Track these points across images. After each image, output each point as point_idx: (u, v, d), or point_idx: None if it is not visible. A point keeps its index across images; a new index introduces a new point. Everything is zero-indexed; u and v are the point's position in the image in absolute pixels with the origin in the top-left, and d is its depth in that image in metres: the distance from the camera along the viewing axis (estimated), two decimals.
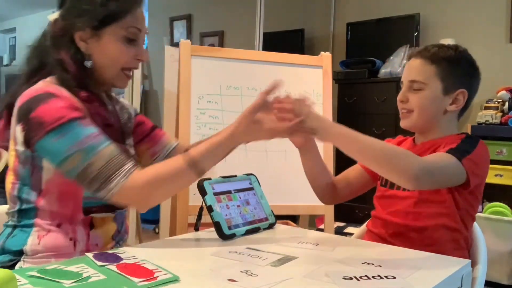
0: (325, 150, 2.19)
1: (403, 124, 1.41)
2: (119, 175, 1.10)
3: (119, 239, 1.28)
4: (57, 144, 1.09)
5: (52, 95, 1.12)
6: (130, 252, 1.05)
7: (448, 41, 3.47)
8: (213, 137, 1.20)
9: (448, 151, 1.23)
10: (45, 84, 1.16)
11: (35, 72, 1.22)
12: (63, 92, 1.15)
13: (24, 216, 1.19)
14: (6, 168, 1.24)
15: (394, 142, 1.49)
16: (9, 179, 1.21)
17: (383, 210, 1.39)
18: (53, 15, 1.24)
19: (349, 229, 3.30)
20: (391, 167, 1.15)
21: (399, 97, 1.40)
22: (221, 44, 5.16)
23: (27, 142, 1.14)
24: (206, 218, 1.28)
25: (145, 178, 1.12)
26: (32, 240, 1.16)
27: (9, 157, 1.20)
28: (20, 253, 1.16)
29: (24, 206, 1.19)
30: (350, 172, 1.54)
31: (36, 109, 1.10)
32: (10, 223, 1.22)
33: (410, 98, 1.36)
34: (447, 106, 1.34)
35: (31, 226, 1.18)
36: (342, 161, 1.53)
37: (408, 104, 1.37)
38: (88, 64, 1.21)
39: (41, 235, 1.16)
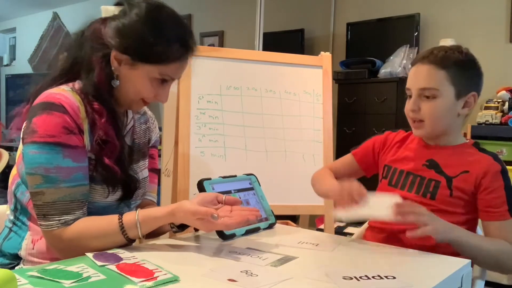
0: (325, 152, 2.19)
1: (417, 133, 1.36)
2: (55, 220, 1.09)
3: None
4: (32, 157, 1.10)
5: (60, 107, 1.11)
6: (130, 252, 1.05)
7: (448, 41, 3.47)
8: (154, 209, 1.17)
9: (510, 212, 1.25)
10: (62, 91, 1.14)
11: (67, 71, 1.21)
12: (74, 103, 1.13)
13: (18, 216, 1.20)
14: (5, 168, 1.24)
15: (398, 139, 1.46)
16: (13, 172, 1.22)
17: None
18: (108, 9, 1.19)
19: (349, 229, 3.29)
20: (503, 269, 1.27)
21: (409, 107, 1.32)
22: (221, 44, 5.16)
23: (22, 140, 1.15)
24: None
25: (74, 232, 1.10)
26: (27, 245, 1.16)
27: (18, 151, 1.21)
28: (17, 257, 1.17)
29: (18, 205, 1.19)
30: (341, 169, 1.53)
31: (38, 116, 1.11)
32: (7, 223, 1.22)
33: (422, 106, 1.31)
34: (460, 110, 1.32)
35: (25, 229, 1.18)
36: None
37: (421, 114, 1.31)
38: (114, 84, 1.19)
39: (35, 239, 1.17)
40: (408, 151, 1.41)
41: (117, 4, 1.20)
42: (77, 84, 1.18)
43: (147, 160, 1.37)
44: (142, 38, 1.14)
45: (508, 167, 3.09)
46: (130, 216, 1.12)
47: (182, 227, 1.25)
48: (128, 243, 1.13)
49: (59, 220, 1.09)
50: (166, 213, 1.13)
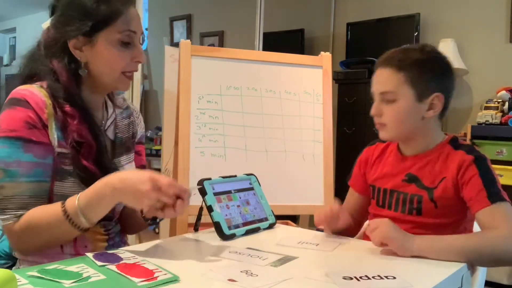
0: (325, 152, 2.19)
1: (382, 136, 1.33)
2: (11, 214, 1.08)
3: (113, 242, 1.26)
4: None
5: (24, 102, 1.11)
6: (130, 252, 1.05)
7: (448, 41, 3.48)
8: (94, 189, 1.09)
9: (491, 199, 1.16)
10: (29, 87, 1.15)
11: (27, 80, 1.20)
12: (39, 98, 1.13)
13: None
14: None
15: (376, 153, 1.42)
16: None
17: None
18: (46, 23, 1.22)
19: None
20: (489, 261, 1.13)
21: (372, 111, 1.31)
22: (221, 44, 5.16)
23: None
24: (206, 218, 1.28)
25: (21, 225, 1.08)
26: None
27: None
28: (12, 257, 1.17)
29: None
30: (350, 206, 1.46)
31: (4, 112, 1.12)
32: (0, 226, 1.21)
33: (384, 110, 1.28)
34: (424, 113, 1.26)
35: None
36: (343, 166, 1.51)
37: (383, 118, 1.29)
38: (82, 72, 1.18)
39: None
40: (387, 166, 1.37)
41: (52, 14, 1.22)
42: (45, 83, 1.17)
43: (132, 154, 1.35)
44: (83, 9, 1.15)
45: (508, 167, 3.06)
46: (72, 201, 1.07)
47: (155, 219, 1.22)
48: (80, 234, 1.10)
49: (15, 214, 1.08)
50: (109, 189, 1.05)
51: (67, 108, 1.15)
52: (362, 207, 1.44)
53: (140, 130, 1.41)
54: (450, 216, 1.25)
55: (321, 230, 1.35)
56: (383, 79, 1.28)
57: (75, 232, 1.09)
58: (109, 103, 1.32)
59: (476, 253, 1.09)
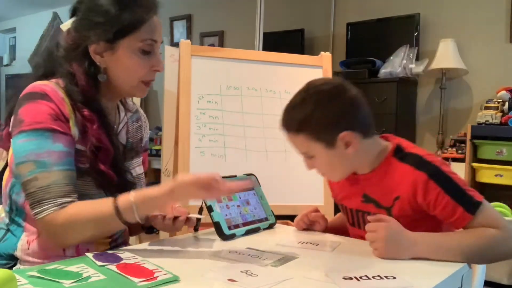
0: None
1: (331, 180, 1.34)
2: (50, 204, 1.07)
3: (115, 244, 1.26)
4: (22, 145, 1.09)
5: (45, 96, 1.11)
6: (130, 252, 1.05)
7: (448, 41, 3.48)
8: (149, 189, 1.11)
9: (470, 211, 1.09)
10: (47, 82, 1.15)
11: (42, 78, 1.19)
12: (59, 95, 1.13)
13: (14, 217, 1.19)
14: (5, 168, 1.24)
15: None
16: (6, 173, 1.21)
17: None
18: (66, 24, 1.21)
19: None
20: (488, 260, 1.11)
21: (307, 168, 1.25)
22: (221, 44, 5.16)
23: (11, 136, 1.14)
24: (206, 218, 1.28)
25: (67, 216, 1.07)
26: (22, 245, 1.16)
27: (9, 151, 1.20)
28: (13, 258, 1.17)
29: (14, 206, 1.19)
30: (338, 214, 1.45)
31: (24, 106, 1.11)
32: (2, 225, 1.21)
33: (314, 165, 1.23)
34: (344, 152, 1.17)
35: (21, 230, 1.17)
36: None
37: (318, 170, 1.25)
38: (102, 78, 1.19)
39: (30, 240, 1.16)
40: (343, 189, 1.32)
41: (72, 15, 1.21)
42: (61, 82, 1.17)
43: (140, 158, 1.37)
44: (106, 15, 1.15)
45: (508, 167, 3.05)
46: (125, 198, 1.07)
47: (151, 229, 1.24)
48: (124, 228, 1.11)
49: (55, 203, 1.07)
50: (164, 191, 1.06)
51: (86, 112, 1.15)
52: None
53: (146, 135, 1.42)
54: (423, 226, 1.14)
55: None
56: (292, 143, 1.23)
57: (120, 227, 1.11)
58: (121, 106, 1.33)
59: (476, 252, 1.08)
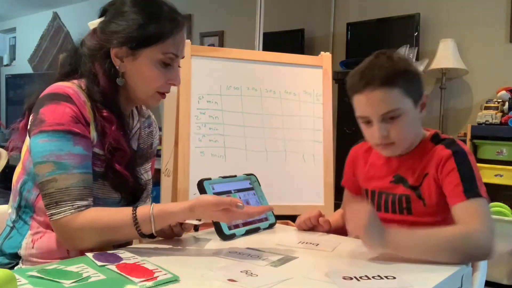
0: (325, 152, 2.19)
1: (387, 154, 1.31)
2: (67, 206, 1.07)
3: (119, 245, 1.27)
4: (42, 145, 1.09)
5: (68, 98, 1.12)
6: (130, 252, 1.05)
7: (448, 41, 3.48)
8: (170, 204, 1.14)
9: (467, 194, 1.15)
10: (70, 84, 1.16)
11: (66, 77, 1.21)
12: (81, 98, 1.14)
13: (21, 215, 1.19)
14: (5, 168, 1.24)
15: (362, 153, 1.41)
16: (17, 169, 1.21)
17: None
18: (93, 22, 1.22)
19: None
20: (463, 257, 1.09)
21: (378, 134, 1.24)
22: (221, 44, 5.16)
23: (29, 134, 1.14)
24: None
25: (85, 221, 1.07)
26: (26, 244, 1.16)
27: (23, 148, 1.20)
28: (16, 256, 1.17)
29: (23, 203, 1.19)
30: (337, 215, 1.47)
31: (46, 106, 1.11)
32: (8, 222, 1.22)
33: (390, 129, 1.24)
34: (420, 115, 1.28)
35: (27, 228, 1.18)
36: (343, 166, 1.50)
37: (390, 138, 1.25)
38: (120, 82, 1.19)
39: (35, 238, 1.16)
40: (374, 169, 1.36)
41: (101, 16, 1.22)
42: (83, 83, 1.18)
43: (149, 164, 1.38)
44: (134, 24, 1.16)
45: (508, 167, 3.05)
46: (144, 210, 1.09)
47: (152, 236, 1.24)
48: (138, 238, 1.12)
49: (72, 205, 1.08)
50: (183, 208, 1.09)
51: (105, 113, 1.16)
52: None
53: (156, 141, 1.42)
54: (440, 214, 1.24)
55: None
56: (380, 100, 1.23)
57: (135, 236, 1.12)
58: (135, 112, 1.34)
59: (449, 247, 1.08)
